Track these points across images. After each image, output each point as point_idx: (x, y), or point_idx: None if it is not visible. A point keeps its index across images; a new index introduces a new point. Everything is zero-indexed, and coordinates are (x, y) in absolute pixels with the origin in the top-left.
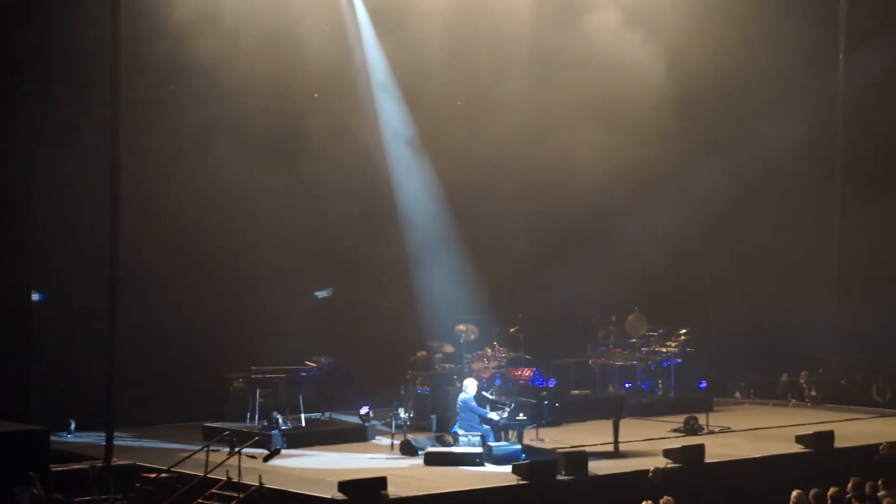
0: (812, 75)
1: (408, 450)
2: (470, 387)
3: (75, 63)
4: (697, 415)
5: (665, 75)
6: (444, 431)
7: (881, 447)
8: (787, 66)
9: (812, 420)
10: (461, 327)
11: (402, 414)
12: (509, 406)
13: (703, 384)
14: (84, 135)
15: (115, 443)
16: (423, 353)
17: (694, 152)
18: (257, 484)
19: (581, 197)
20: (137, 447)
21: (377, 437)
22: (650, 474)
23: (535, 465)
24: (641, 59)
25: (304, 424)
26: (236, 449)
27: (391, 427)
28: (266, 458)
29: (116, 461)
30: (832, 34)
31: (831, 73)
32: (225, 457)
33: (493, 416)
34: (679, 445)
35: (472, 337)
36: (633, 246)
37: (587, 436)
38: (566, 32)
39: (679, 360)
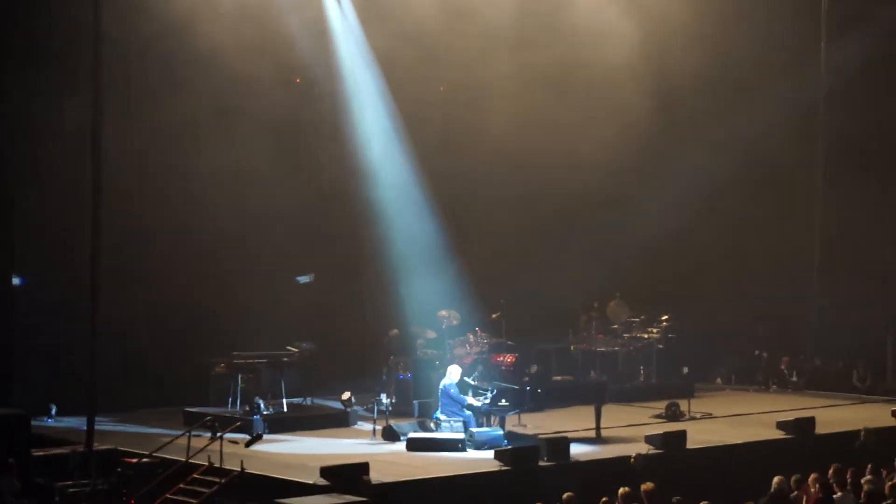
0: (795, 62)
1: (390, 435)
2: (453, 373)
3: (58, 49)
4: (679, 401)
5: (648, 60)
6: (426, 417)
7: (861, 433)
8: (770, 52)
9: (793, 406)
10: (443, 313)
11: (385, 399)
12: (491, 392)
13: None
14: (66, 121)
15: (96, 427)
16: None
17: (677, 138)
18: (239, 469)
19: (563, 182)
20: (119, 432)
21: (359, 423)
22: (632, 460)
23: (518, 451)
24: (624, 43)
25: (285, 410)
26: (218, 434)
27: (373, 412)
28: (248, 444)
29: (98, 446)
30: (815, 20)
31: (814, 60)
32: (207, 442)
33: (475, 402)
34: (661, 431)
35: (455, 322)
36: (615, 231)
37: (569, 421)
38: (549, 17)
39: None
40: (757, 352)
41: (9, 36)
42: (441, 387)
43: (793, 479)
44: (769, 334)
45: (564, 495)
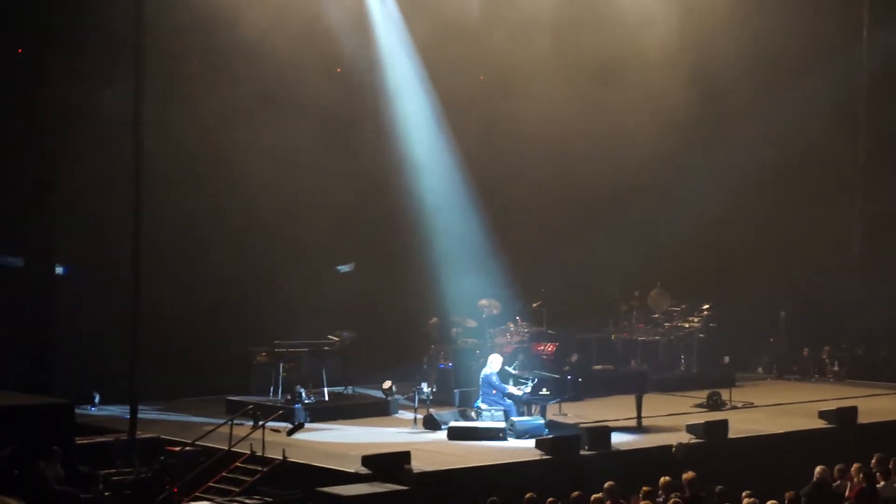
0: (837, 50)
1: (431, 424)
2: (494, 362)
3: (100, 35)
4: (720, 390)
5: (689, 48)
6: (466, 406)
7: None
8: (811, 40)
9: (835, 395)
10: (484, 302)
11: (425, 388)
12: (532, 381)
13: None
14: (107, 108)
15: (139, 416)
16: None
17: (719, 126)
18: (281, 457)
19: (605, 171)
20: (161, 420)
21: (400, 412)
22: (673, 450)
23: (558, 440)
24: (664, 31)
25: (326, 398)
26: (260, 423)
27: (414, 401)
28: (290, 432)
29: (141, 434)
30: (857, 7)
31: (855, 48)
32: (249, 430)
33: (516, 391)
34: (702, 421)
35: (495, 312)
36: (656, 220)
37: (610, 411)
38: (590, 6)
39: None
40: (799, 341)
41: (50, 22)
42: (482, 376)
43: (836, 468)
44: (812, 323)
45: (606, 484)
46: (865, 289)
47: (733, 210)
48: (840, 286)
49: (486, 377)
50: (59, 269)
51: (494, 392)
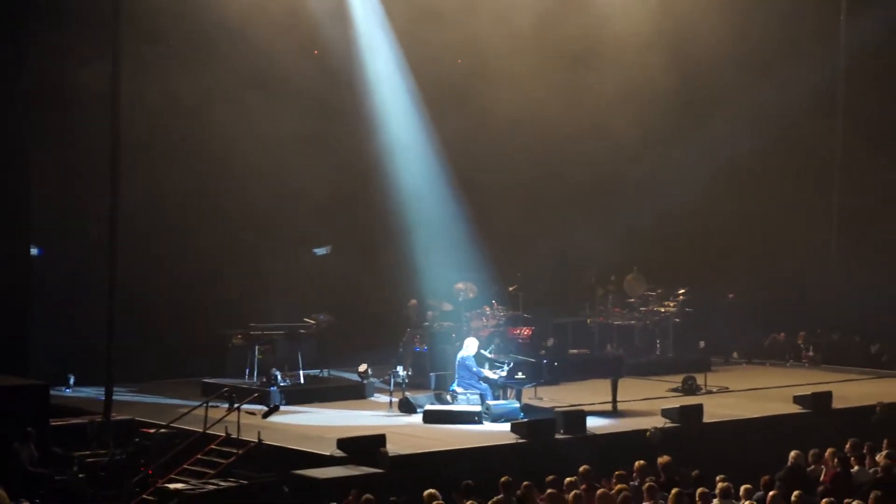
0: (815, 37)
1: (406, 407)
2: (470, 346)
3: (78, 19)
4: (695, 375)
5: (669, 34)
6: (442, 389)
7: (877, 407)
8: (791, 26)
9: (810, 381)
10: (460, 285)
11: (401, 372)
12: (508, 365)
13: None
14: (86, 92)
15: (114, 398)
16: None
17: (697, 113)
18: (256, 440)
19: (582, 156)
20: (136, 402)
21: (376, 395)
22: (648, 434)
23: (534, 424)
24: (644, 17)
25: (302, 381)
26: (235, 405)
27: (390, 385)
28: (265, 415)
29: (116, 416)
30: None
31: (834, 35)
32: (224, 413)
33: (492, 374)
34: (677, 405)
35: (471, 295)
36: (633, 205)
37: (586, 395)
38: None
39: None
40: (774, 326)
41: (27, 4)
42: (458, 359)
43: (810, 453)
44: (787, 308)
45: (581, 468)
46: (842, 275)
47: (711, 196)
48: (817, 272)
49: (462, 360)
50: (34, 251)
51: (471, 375)
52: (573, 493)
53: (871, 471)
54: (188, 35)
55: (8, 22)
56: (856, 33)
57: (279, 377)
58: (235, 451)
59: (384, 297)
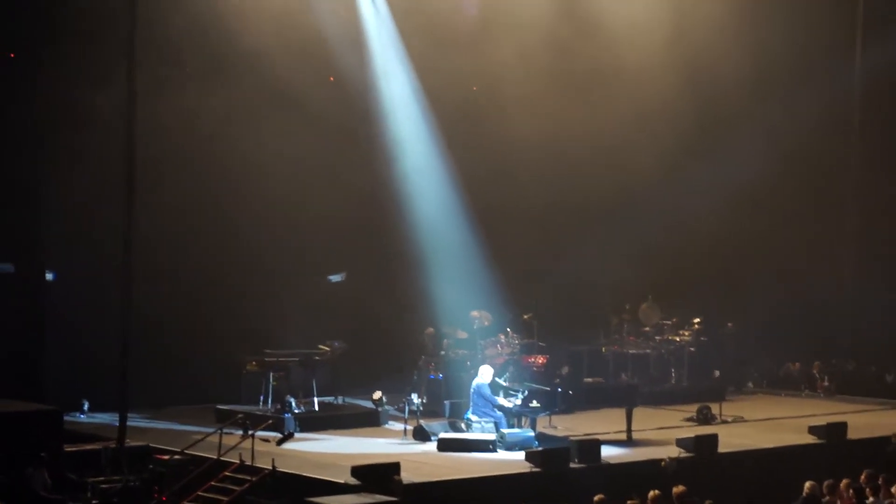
0: (832, 58)
1: (421, 435)
2: (485, 374)
3: (94, 44)
4: (710, 404)
5: (685, 60)
6: (457, 417)
7: (892, 438)
8: (807, 48)
9: (825, 411)
10: (475, 313)
11: (416, 399)
12: (522, 393)
13: None
14: (100, 115)
15: (128, 424)
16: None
17: (711, 139)
18: (270, 467)
19: (597, 183)
20: (151, 428)
21: (390, 423)
22: (663, 464)
23: (548, 453)
24: (659, 43)
25: (317, 408)
26: (249, 432)
27: (404, 412)
28: (279, 442)
29: (130, 442)
30: (852, 17)
31: (851, 56)
32: (238, 440)
33: (506, 403)
34: (692, 435)
35: (486, 323)
36: (648, 231)
37: (600, 424)
38: (584, 16)
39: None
40: (789, 356)
41: (44, 28)
42: (473, 386)
43: (825, 484)
44: (802, 338)
45: (596, 497)
46: (857, 304)
47: (726, 221)
48: (832, 299)
49: (478, 388)
50: (48, 276)
51: (486, 403)
52: None
53: (887, 502)
54: (205, 58)
55: (23, 43)
56: (871, 54)
57: (293, 404)
58: (249, 478)
59: (399, 325)
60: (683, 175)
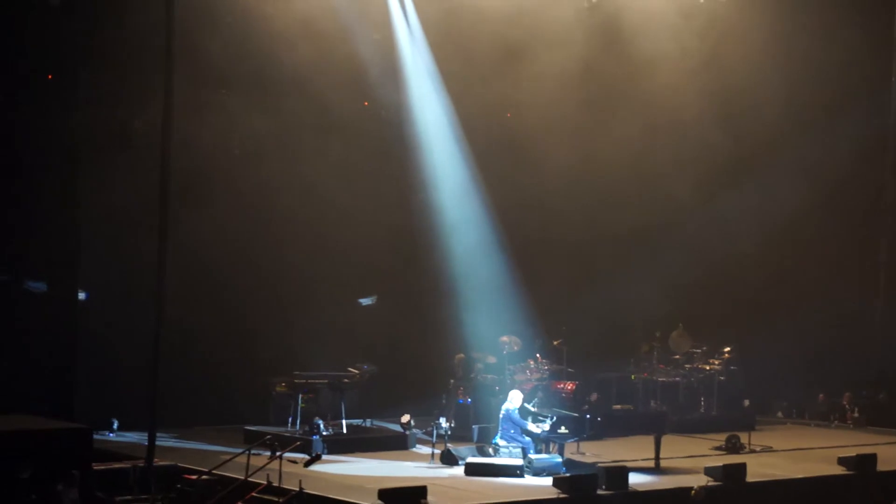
0: (865, 87)
1: (448, 459)
2: (515, 399)
3: (131, 63)
4: (739, 433)
5: (717, 86)
6: (485, 442)
7: None
8: (840, 77)
9: (855, 442)
10: (504, 338)
11: (444, 423)
12: (551, 419)
13: None
14: (136, 135)
15: (157, 443)
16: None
17: (741, 166)
18: (297, 489)
19: (627, 210)
20: (179, 448)
21: (418, 446)
22: (693, 493)
23: (576, 479)
24: (692, 70)
25: (345, 431)
26: (277, 453)
27: (432, 436)
28: (307, 464)
29: (158, 461)
30: (888, 44)
31: (885, 86)
32: (266, 461)
33: (535, 428)
34: (720, 464)
35: (515, 348)
36: (679, 260)
37: (628, 451)
38: (615, 41)
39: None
40: (819, 386)
41: (82, 48)
42: (503, 411)
43: None
44: (833, 368)
45: None
46: (889, 335)
47: (758, 250)
48: (863, 331)
49: (507, 413)
50: (81, 295)
51: (514, 428)
52: None
53: None
54: (244, 80)
55: (60, 64)
56: None
57: (322, 426)
58: (277, 499)
59: (428, 349)
60: (717, 205)
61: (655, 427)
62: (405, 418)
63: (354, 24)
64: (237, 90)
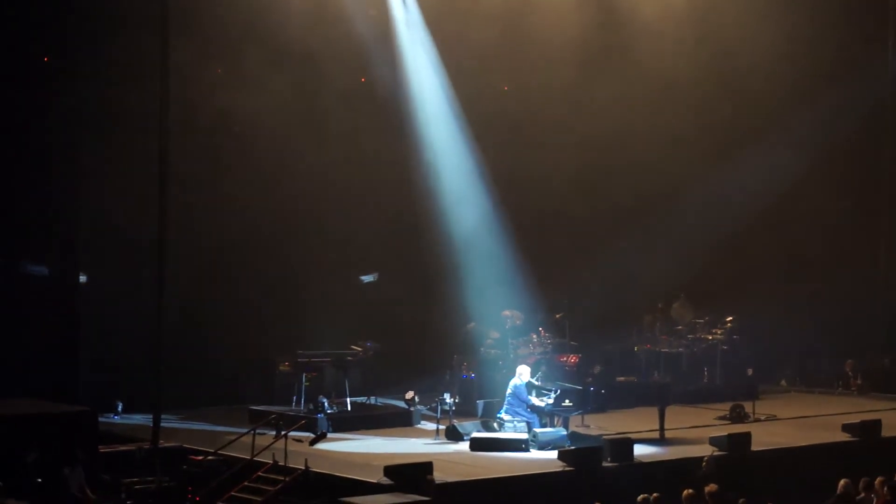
0: (865, 58)
1: (453, 435)
2: (523, 374)
3: (129, 45)
4: (743, 402)
5: (721, 58)
6: (489, 417)
7: None
8: (841, 49)
9: (858, 409)
10: (507, 312)
11: (448, 399)
12: (555, 392)
13: None
14: (134, 118)
15: (161, 425)
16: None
17: (744, 137)
18: (303, 467)
19: (628, 182)
20: (184, 429)
21: (422, 422)
22: (704, 464)
23: (581, 452)
24: (695, 41)
25: (349, 408)
26: (282, 432)
27: (436, 412)
28: (312, 442)
29: (163, 443)
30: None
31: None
32: (271, 440)
33: (539, 402)
34: (725, 433)
35: (518, 322)
36: (681, 231)
37: (633, 422)
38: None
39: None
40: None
41: (77, 29)
42: (511, 387)
43: (861, 482)
44: (837, 335)
45: (639, 497)
46: (891, 300)
47: (759, 221)
48: (866, 298)
49: (515, 389)
50: (82, 278)
51: (519, 403)
52: None
53: None
54: (235, 62)
55: (60, 46)
56: None
57: (326, 404)
58: (282, 478)
59: (430, 324)
60: (717, 175)
61: (659, 398)
62: (409, 395)
63: (350, 1)
64: (233, 71)
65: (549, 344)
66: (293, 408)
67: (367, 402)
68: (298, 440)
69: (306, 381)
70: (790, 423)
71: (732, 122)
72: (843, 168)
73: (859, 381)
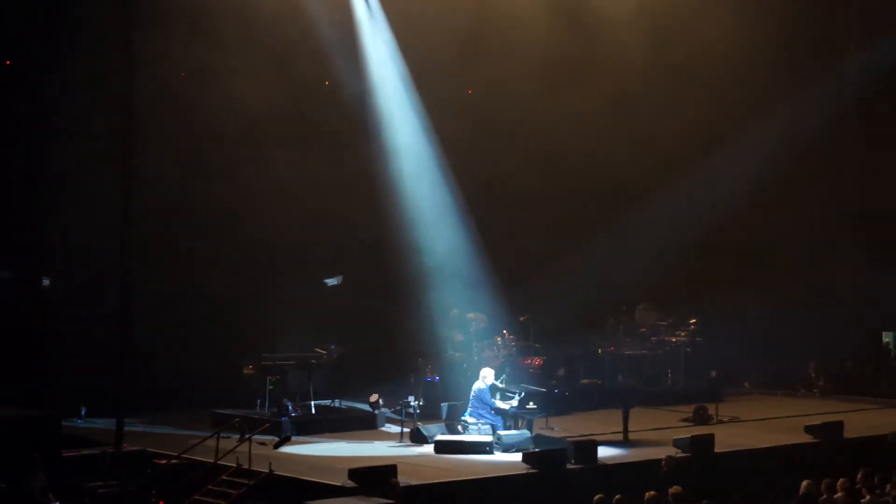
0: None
1: (418, 438)
2: (487, 377)
3: (86, 49)
4: (707, 404)
5: (682, 57)
6: (453, 420)
7: (888, 438)
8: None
9: (821, 410)
10: (471, 315)
11: (412, 402)
12: (519, 395)
13: None
14: (95, 118)
15: (125, 428)
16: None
17: (709, 138)
18: (267, 471)
19: (592, 184)
20: (148, 433)
21: (387, 425)
22: (663, 465)
23: (545, 454)
24: (653, 37)
25: (313, 412)
26: (246, 436)
27: (401, 415)
28: (276, 445)
29: (127, 447)
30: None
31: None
32: (235, 444)
33: (503, 405)
34: (689, 435)
35: (482, 325)
36: (644, 235)
37: (597, 425)
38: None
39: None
40: (785, 356)
41: (40, 34)
42: (475, 390)
43: (823, 483)
44: (796, 339)
45: (596, 497)
46: (856, 303)
47: (723, 223)
48: (830, 301)
49: (479, 392)
50: (45, 281)
51: (483, 406)
52: None
53: (882, 501)
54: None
55: (23, 49)
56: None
57: (290, 407)
58: (246, 481)
59: (394, 327)
60: (680, 181)
61: (623, 400)
62: (373, 398)
63: (314, 4)
64: (195, 72)
65: (513, 346)
66: (257, 411)
67: (332, 405)
68: (262, 443)
69: (270, 385)
70: (753, 425)
71: (697, 128)
72: (808, 172)
73: (822, 383)
